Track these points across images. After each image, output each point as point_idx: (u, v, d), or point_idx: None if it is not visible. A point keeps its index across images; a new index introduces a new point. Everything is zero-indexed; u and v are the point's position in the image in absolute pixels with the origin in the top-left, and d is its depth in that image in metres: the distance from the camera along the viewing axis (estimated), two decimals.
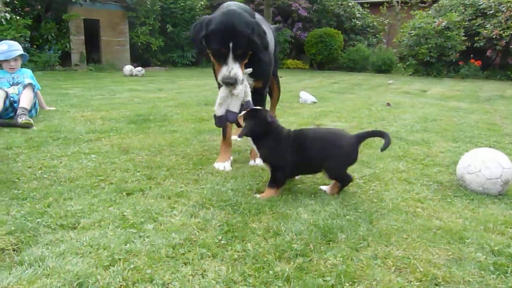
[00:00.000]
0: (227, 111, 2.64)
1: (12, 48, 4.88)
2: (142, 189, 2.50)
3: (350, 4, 19.38)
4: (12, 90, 4.67)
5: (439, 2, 16.54)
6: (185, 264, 1.67)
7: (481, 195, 2.59)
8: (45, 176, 2.70)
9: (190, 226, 2.00)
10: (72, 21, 12.56)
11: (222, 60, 2.54)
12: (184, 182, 2.65)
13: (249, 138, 2.60)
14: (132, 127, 4.29)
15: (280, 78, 4.19)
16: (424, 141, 4.09)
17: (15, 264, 1.64)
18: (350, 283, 1.58)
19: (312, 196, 2.49)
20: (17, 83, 4.79)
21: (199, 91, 8.05)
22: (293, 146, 2.50)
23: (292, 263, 1.71)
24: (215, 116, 2.72)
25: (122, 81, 9.66)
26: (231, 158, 3.15)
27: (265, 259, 1.72)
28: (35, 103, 4.82)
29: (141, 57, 14.90)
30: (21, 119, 4.19)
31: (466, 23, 14.58)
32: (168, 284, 1.53)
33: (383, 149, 2.51)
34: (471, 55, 14.72)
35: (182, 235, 1.89)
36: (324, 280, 1.58)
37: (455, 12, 14.87)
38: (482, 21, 14.43)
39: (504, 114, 6.19)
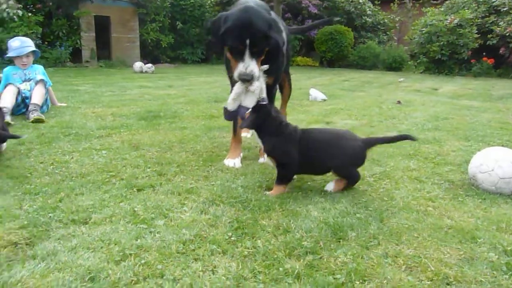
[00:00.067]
0: (240, 106, 2.63)
1: (25, 44, 4.92)
2: (153, 185, 2.51)
3: (360, 1, 19.22)
4: (24, 86, 4.71)
5: None
6: (196, 260, 1.68)
7: (493, 194, 2.56)
8: (56, 171, 2.72)
9: (200, 223, 2.00)
10: (83, 17, 12.64)
11: (239, 56, 2.53)
12: (194, 179, 2.66)
13: (255, 133, 2.60)
14: (142, 124, 4.31)
15: None
16: (436, 139, 4.05)
17: (28, 258, 1.66)
18: (361, 281, 1.58)
19: (322, 193, 2.48)
20: (29, 79, 4.83)
21: (209, 88, 8.06)
22: (297, 144, 2.49)
23: (302, 260, 1.70)
24: (225, 109, 2.71)
25: (132, 78, 9.71)
26: (241, 154, 3.15)
27: (275, 256, 1.72)
28: (46, 99, 4.86)
29: (151, 54, 14.95)
30: (33, 115, 4.24)
31: (479, 21, 14.38)
32: (178, 279, 1.53)
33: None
34: (484, 53, 14.52)
35: (192, 231, 1.90)
36: (334, 278, 1.58)
37: (467, 9, 14.67)
38: (495, 19, 14.21)
39: None
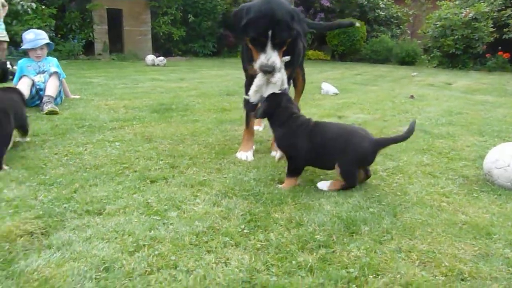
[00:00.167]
0: (262, 98, 2.63)
1: (39, 37, 4.96)
2: (166, 177, 2.52)
3: None
4: (38, 78, 4.76)
5: None
6: (209, 252, 1.68)
7: (509, 190, 2.52)
8: (71, 162, 2.75)
9: (213, 215, 2.01)
10: (96, 10, 12.71)
11: (261, 48, 2.51)
12: (207, 171, 2.67)
13: (268, 123, 2.60)
14: (154, 116, 4.33)
15: None
16: (449, 134, 4.00)
17: (44, 247, 1.68)
18: (374, 275, 1.57)
19: None
20: (43, 72, 4.87)
21: (221, 81, 8.05)
22: (307, 137, 2.45)
23: (315, 254, 1.70)
24: (246, 100, 2.69)
25: (144, 71, 9.75)
26: (253, 147, 3.15)
27: (288, 249, 1.72)
28: (60, 91, 4.91)
29: (162, 47, 14.98)
30: (47, 107, 4.28)
31: (494, 14, 14.11)
32: (192, 271, 1.54)
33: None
34: (499, 47, 14.28)
35: (205, 223, 1.91)
36: (347, 272, 1.57)
37: (483, 2, 14.41)
38: None
39: None
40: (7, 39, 9.08)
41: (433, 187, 2.56)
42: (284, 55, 2.64)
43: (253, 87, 2.63)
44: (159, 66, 11.18)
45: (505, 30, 13.81)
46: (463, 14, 13.88)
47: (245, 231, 1.87)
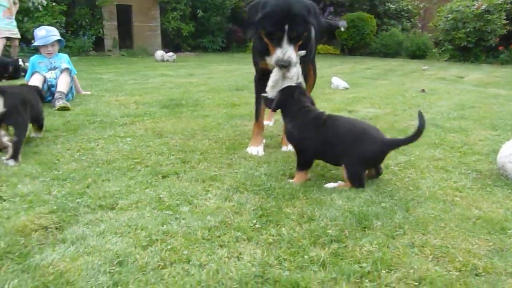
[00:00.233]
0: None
1: (50, 33, 5.00)
2: (177, 172, 2.53)
3: None
4: (50, 75, 4.80)
5: None
6: (221, 247, 1.69)
7: None
8: (83, 158, 2.78)
9: (224, 210, 2.01)
10: (105, 7, 12.77)
11: (277, 42, 2.50)
12: (218, 166, 2.67)
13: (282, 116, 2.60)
14: (165, 112, 4.35)
15: None
16: (462, 128, 3.96)
17: (58, 242, 1.70)
18: (387, 270, 1.56)
19: None
20: (55, 68, 4.91)
21: (230, 76, 8.05)
22: (317, 130, 2.42)
23: (327, 248, 1.70)
24: (265, 97, 2.69)
25: (154, 66, 9.79)
26: (264, 141, 3.15)
27: (300, 243, 1.72)
28: (71, 87, 4.94)
29: (172, 42, 15.02)
30: (59, 103, 4.32)
31: (507, 6, 13.88)
32: (204, 265, 1.55)
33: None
34: None
35: (217, 218, 1.92)
36: (360, 267, 1.56)
37: None
38: None
39: None
40: (18, 36, 9.18)
41: (445, 182, 2.53)
42: (299, 49, 2.62)
43: (269, 83, 2.61)
44: (169, 62, 11.21)
45: None
46: (475, 6, 13.68)
47: (257, 225, 1.87)
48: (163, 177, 2.46)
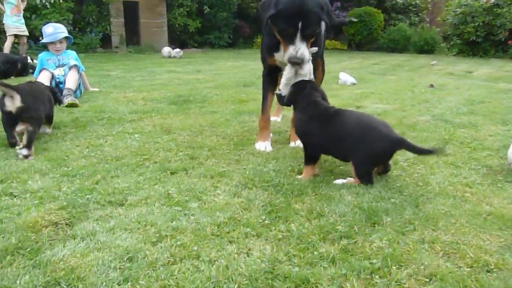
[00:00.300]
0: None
1: (58, 30, 5.02)
2: (186, 168, 2.54)
3: None
4: (58, 72, 4.83)
5: None
6: (230, 243, 1.69)
7: None
8: (92, 154, 2.79)
9: (233, 206, 2.01)
10: (112, 4, 12.80)
11: (289, 39, 2.48)
12: (226, 162, 2.67)
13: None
14: (173, 108, 4.35)
15: None
16: (471, 124, 3.92)
17: (69, 238, 1.71)
18: (397, 266, 1.55)
19: None
20: (63, 65, 4.94)
21: (237, 72, 8.04)
22: (324, 124, 2.40)
23: (336, 244, 1.69)
24: (279, 95, 2.68)
25: (161, 63, 9.80)
26: (271, 135, 3.13)
27: (309, 239, 1.72)
28: (79, 84, 4.97)
29: (178, 38, 15.03)
30: (67, 100, 4.34)
31: None
32: (214, 261, 1.55)
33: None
34: None
35: (226, 214, 1.92)
36: (370, 263, 1.56)
37: None
38: None
39: None
40: (26, 33, 9.24)
41: (455, 178, 2.51)
42: (310, 46, 2.61)
43: (283, 80, 2.61)
44: (176, 58, 11.22)
45: None
46: (484, 0, 13.52)
47: (266, 221, 1.87)
48: (172, 173, 2.47)
